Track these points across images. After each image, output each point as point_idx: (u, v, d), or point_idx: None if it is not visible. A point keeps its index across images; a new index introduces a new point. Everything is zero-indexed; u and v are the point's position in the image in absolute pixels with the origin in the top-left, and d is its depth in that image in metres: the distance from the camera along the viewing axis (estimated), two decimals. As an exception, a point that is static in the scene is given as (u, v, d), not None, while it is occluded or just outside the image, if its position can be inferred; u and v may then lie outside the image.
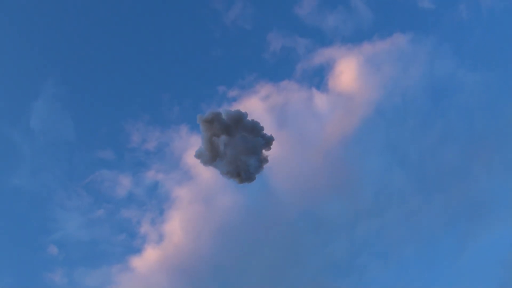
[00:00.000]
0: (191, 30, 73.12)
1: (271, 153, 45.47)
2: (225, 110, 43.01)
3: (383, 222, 67.65)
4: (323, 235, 66.31)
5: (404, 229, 67.67)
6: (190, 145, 67.77)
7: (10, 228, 62.32)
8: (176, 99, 70.38)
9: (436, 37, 74.07)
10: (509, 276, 58.04)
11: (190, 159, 45.93)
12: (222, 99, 68.74)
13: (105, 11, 69.41)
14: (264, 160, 43.72)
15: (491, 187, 67.78)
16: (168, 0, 71.76)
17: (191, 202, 68.63)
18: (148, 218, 66.27)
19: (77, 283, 60.50)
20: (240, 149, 42.24)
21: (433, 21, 75.40)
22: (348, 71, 72.27)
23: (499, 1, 72.87)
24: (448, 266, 64.14)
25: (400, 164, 72.05)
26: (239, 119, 42.88)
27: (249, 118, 44.02)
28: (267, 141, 43.71)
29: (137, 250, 64.37)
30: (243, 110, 43.79)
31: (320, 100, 72.42)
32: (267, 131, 44.85)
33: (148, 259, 63.77)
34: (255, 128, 43.37)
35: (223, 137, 42.29)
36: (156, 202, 68.00)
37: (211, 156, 42.50)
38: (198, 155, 43.17)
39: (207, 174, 65.60)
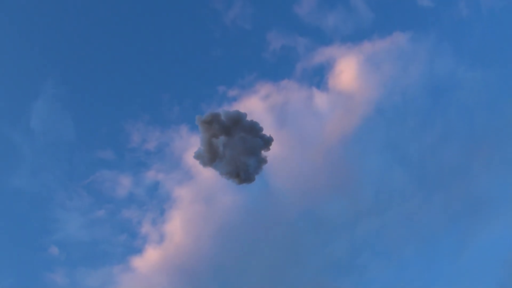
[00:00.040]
0: (191, 30, 73.20)
1: (271, 153, 45.60)
2: (224, 110, 43.10)
3: (383, 222, 67.80)
4: (323, 235, 66.46)
5: (404, 228, 67.83)
6: (190, 145, 67.87)
7: (11, 229, 62.57)
8: (176, 99, 70.49)
9: (436, 35, 74.03)
10: (510, 275, 58.11)
11: (191, 159, 46.14)
12: (222, 99, 68.85)
13: (105, 11, 69.50)
14: (263, 160, 43.76)
15: (491, 186, 67.80)
16: (168, 0, 71.93)
17: (192, 202, 68.80)
18: (149, 218, 66.46)
19: (78, 283, 60.75)
20: (239, 149, 42.27)
21: (432, 20, 75.33)
22: (348, 70, 72.29)
23: (499, -1, 72.78)
24: (449, 265, 64.29)
25: (400, 163, 72.14)
26: (238, 119, 42.91)
27: (249, 117, 44.26)
28: (266, 142, 43.73)
29: (138, 250, 64.61)
30: (243, 110, 43.93)
31: (320, 99, 72.51)
32: (267, 130, 44.98)
33: (149, 259, 64.03)
34: (254, 129, 43.40)
35: (222, 138, 42.31)
36: (157, 202, 68.16)
37: (210, 157, 42.54)
38: (197, 156, 43.24)
39: (208, 174, 65.57)
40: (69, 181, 65.57)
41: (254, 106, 68.50)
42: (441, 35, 74.40)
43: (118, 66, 71.36)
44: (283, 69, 74.93)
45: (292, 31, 73.07)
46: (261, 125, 44.60)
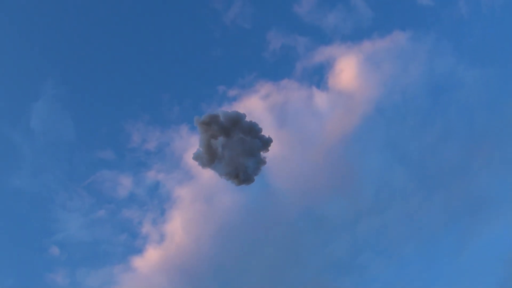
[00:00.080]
0: (191, 30, 73.21)
1: (271, 153, 45.48)
2: (222, 111, 42.95)
3: (384, 221, 67.78)
4: (324, 234, 66.50)
5: (404, 228, 67.82)
6: (191, 145, 68.12)
7: (11, 229, 62.83)
8: (176, 99, 70.60)
9: (436, 34, 73.87)
10: (510, 274, 58.08)
11: (191, 159, 46.29)
12: (222, 98, 68.88)
13: (105, 11, 69.57)
14: (262, 161, 43.71)
15: (491, 185, 67.72)
16: (168, 0, 71.85)
17: (192, 202, 68.94)
18: (149, 218, 66.64)
19: (79, 283, 61.03)
20: (238, 151, 42.23)
21: (432, 19, 75.27)
22: (348, 69, 72.21)
23: (499, -3, 72.45)
24: (449, 264, 64.24)
25: (400, 162, 72.12)
26: (237, 120, 42.82)
27: (249, 117, 44.10)
28: (265, 143, 43.66)
29: (139, 250, 64.84)
30: (243, 110, 43.94)
31: (320, 98, 72.44)
32: (267, 130, 44.95)
33: (149, 259, 64.21)
34: (253, 130, 43.31)
35: (221, 139, 42.26)
36: (157, 202, 68.32)
37: (209, 158, 42.51)
38: (196, 157, 43.18)
39: (208, 174, 65.80)
40: (70, 181, 65.87)
41: (254, 105, 68.60)
42: (441, 34, 74.43)
43: (118, 66, 71.55)
44: (283, 68, 75.12)
45: (292, 31, 73.20)
46: (260, 125, 44.59)
